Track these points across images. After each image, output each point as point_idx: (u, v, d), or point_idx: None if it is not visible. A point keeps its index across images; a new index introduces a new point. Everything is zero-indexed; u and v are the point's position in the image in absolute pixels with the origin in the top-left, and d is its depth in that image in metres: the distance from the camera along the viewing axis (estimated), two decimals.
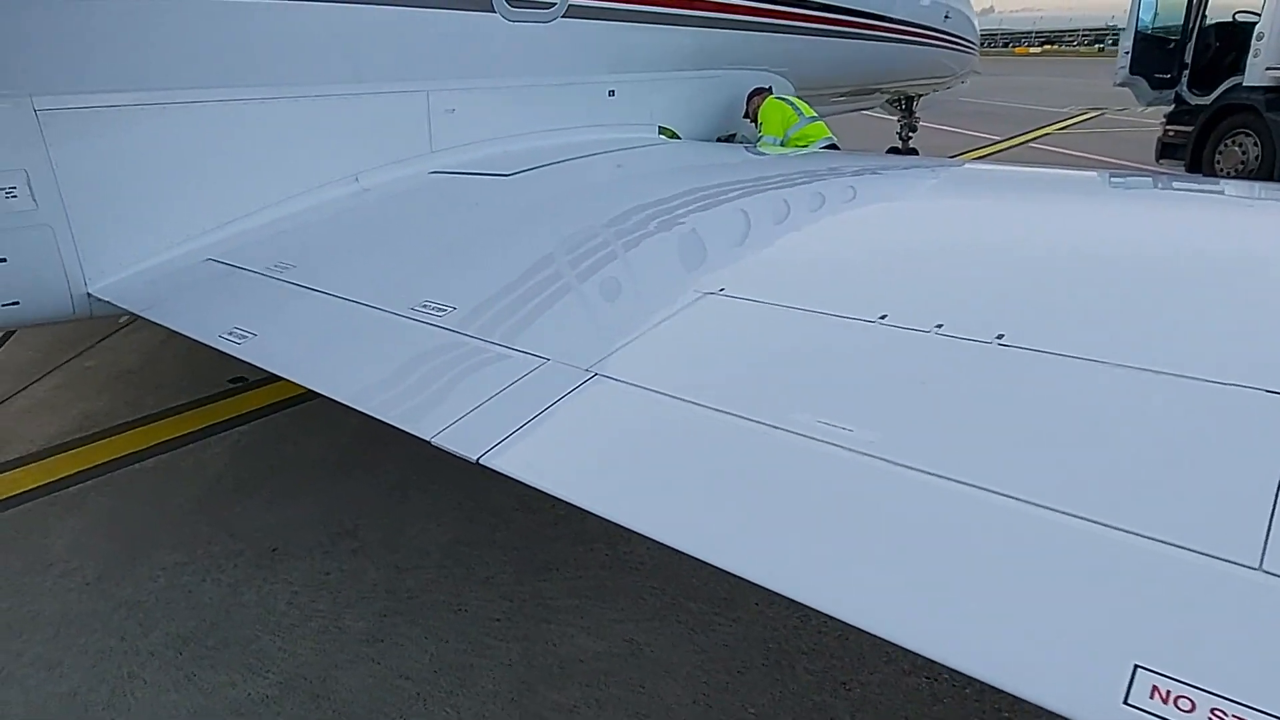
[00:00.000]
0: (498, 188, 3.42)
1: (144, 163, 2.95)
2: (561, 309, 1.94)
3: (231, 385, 4.30)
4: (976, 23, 9.08)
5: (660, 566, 2.76)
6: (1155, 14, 8.87)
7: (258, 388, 4.27)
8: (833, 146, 5.26)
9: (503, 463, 1.36)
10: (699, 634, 2.44)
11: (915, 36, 7.53)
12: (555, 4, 4.12)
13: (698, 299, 1.79)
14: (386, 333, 1.94)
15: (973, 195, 3.18)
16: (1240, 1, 8.45)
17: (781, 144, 5.21)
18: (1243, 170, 8.09)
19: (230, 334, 2.15)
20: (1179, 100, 8.91)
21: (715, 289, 1.82)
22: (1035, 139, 14.30)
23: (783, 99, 5.35)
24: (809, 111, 5.30)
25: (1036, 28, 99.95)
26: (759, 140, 5.34)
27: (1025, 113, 17.90)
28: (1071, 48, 77.29)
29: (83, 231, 2.86)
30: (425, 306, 2.03)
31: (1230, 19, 8.53)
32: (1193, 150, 8.61)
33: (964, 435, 1.23)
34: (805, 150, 5.03)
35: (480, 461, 1.38)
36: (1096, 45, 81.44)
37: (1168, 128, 9.02)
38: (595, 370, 1.56)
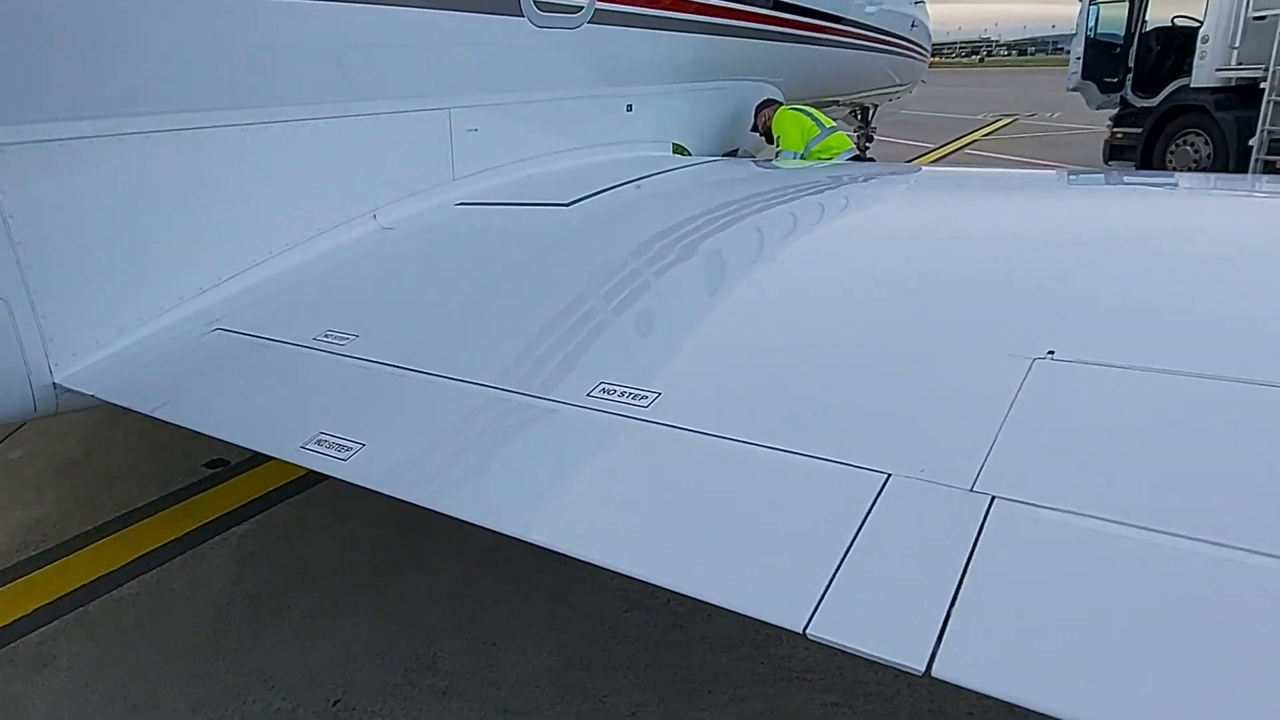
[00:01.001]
0: (560, 220, 2.88)
1: (121, 207, 2.29)
2: (823, 387, 1.44)
3: (210, 471, 3.55)
4: (931, 29, 9.10)
5: (828, 670, 2.28)
6: (1098, 21, 9.11)
7: (244, 471, 3.55)
8: (857, 157, 4.95)
9: (969, 675, 0.86)
10: None
11: (892, 45, 7.41)
12: (583, 7, 3.62)
13: (1029, 366, 1.34)
14: (589, 439, 1.39)
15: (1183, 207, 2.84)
16: (1178, 6, 8.76)
17: (802, 157, 4.85)
18: (1195, 168, 8.34)
19: (319, 444, 1.55)
20: (1123, 103, 9.17)
21: (1039, 352, 1.37)
22: (967, 145, 14.67)
23: (798, 109, 5.00)
24: (828, 122, 4.97)
25: None
26: (776, 154, 4.97)
27: (947, 121, 18.44)
28: (952, 59, 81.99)
29: (45, 301, 2.17)
30: (611, 393, 1.49)
31: (1169, 24, 8.83)
32: (1143, 151, 8.85)
33: None
34: (833, 163, 4.69)
35: (935, 676, 0.88)
36: (974, 56, 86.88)
37: (1115, 130, 9.27)
38: (988, 490, 1.08)
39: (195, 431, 1.80)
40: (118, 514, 3.23)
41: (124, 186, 2.27)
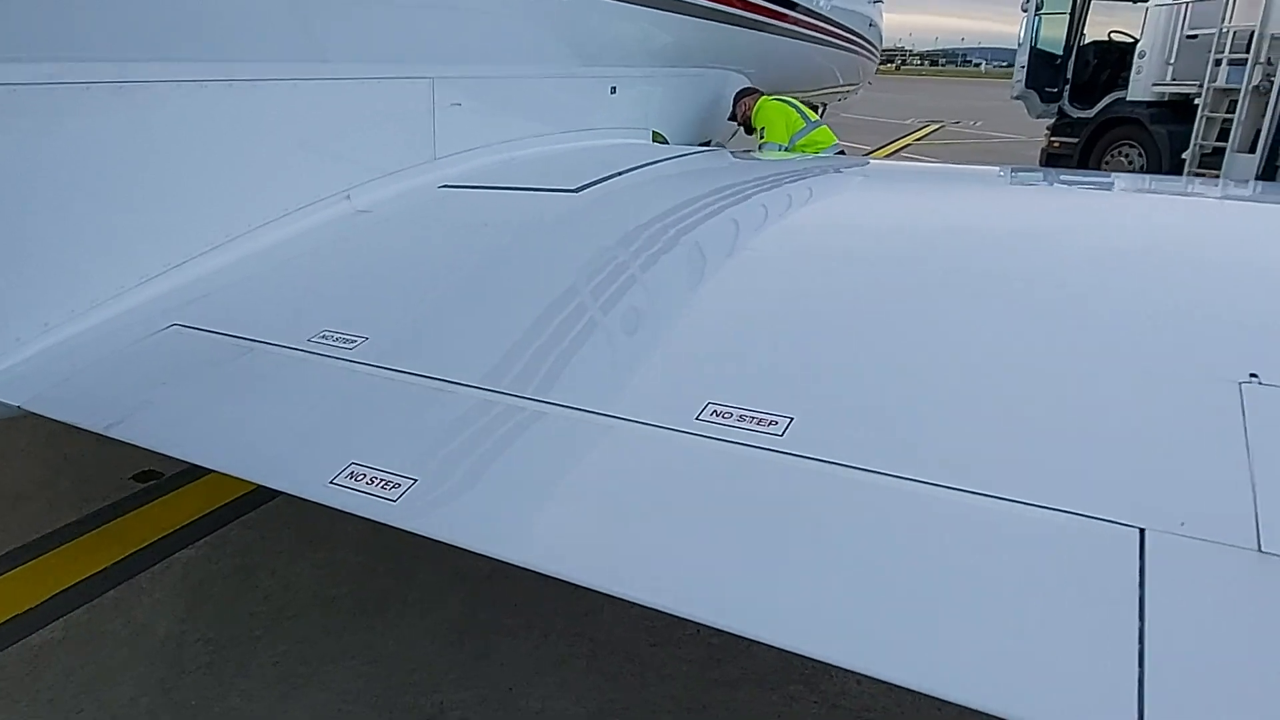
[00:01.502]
0: (572, 206, 2.56)
1: (44, 174, 1.86)
2: (1005, 412, 1.20)
3: (140, 484, 3.07)
4: (883, 31, 9.15)
5: (887, 710, 2.08)
6: (1038, 33, 9.35)
7: (182, 484, 3.08)
8: (840, 153, 4.81)
9: None
10: None
11: (853, 43, 7.36)
12: None
13: (1237, 392, 1.14)
14: (718, 477, 1.11)
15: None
16: (1116, 21, 9.10)
17: (785, 150, 4.67)
18: None
19: (353, 480, 1.21)
20: (1061, 114, 9.46)
21: (1239, 374, 1.18)
22: (900, 150, 14.96)
23: (782, 100, 4.82)
24: (813, 115, 4.81)
25: None
26: (759, 147, 4.77)
27: (877, 125, 18.80)
28: None
29: None
30: (726, 416, 1.22)
31: (1106, 39, 9.15)
32: (1079, 161, 9.15)
33: None
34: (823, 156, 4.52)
35: None
36: (891, 64, 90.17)
37: (1052, 139, 9.56)
38: None
39: (165, 456, 1.43)
40: (29, 539, 2.72)
41: (49, 149, 1.84)
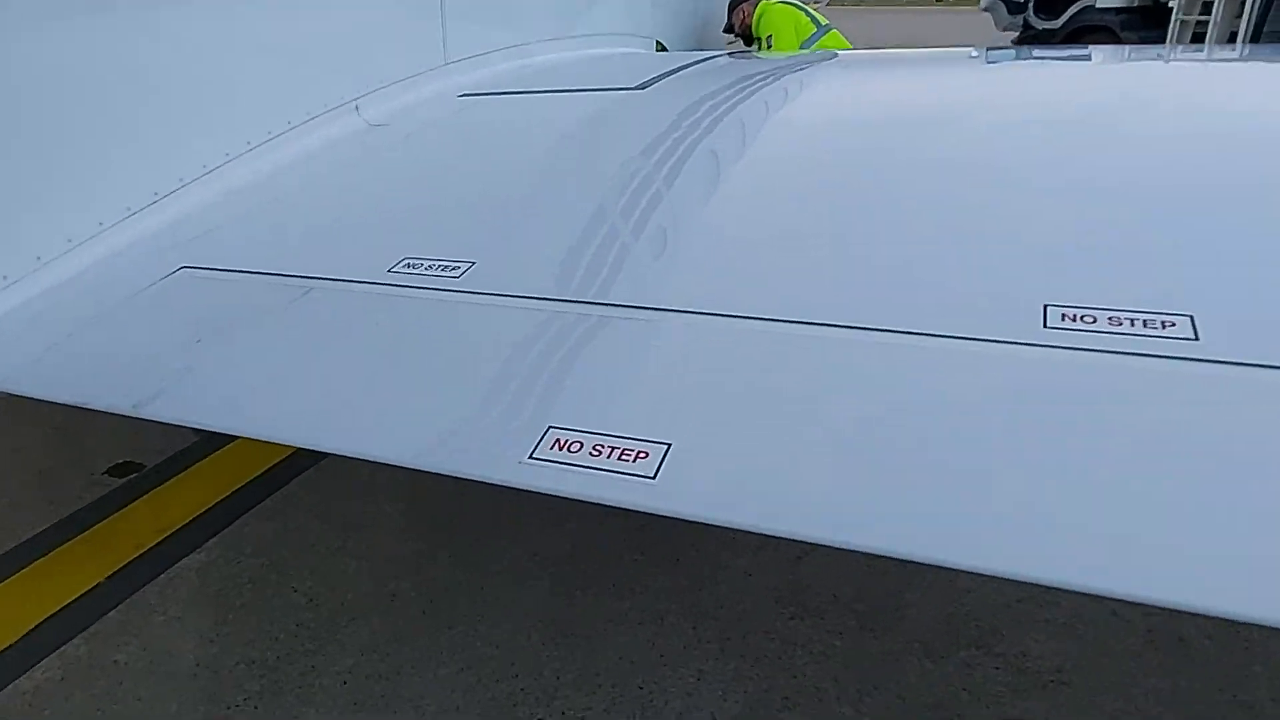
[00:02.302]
0: (644, 103, 2.12)
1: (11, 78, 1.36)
2: None
3: (116, 480, 2.56)
4: None
5: (1079, 669, 1.81)
6: None
7: (171, 474, 2.59)
8: None
9: None
10: None
11: None
12: None
13: None
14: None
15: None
16: None
17: None
18: None
19: (564, 452, 0.82)
20: (1026, 25, 9.24)
21: None
22: None
23: (788, 3, 4.38)
24: (822, 19, 4.39)
25: None
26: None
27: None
28: None
29: None
30: (1094, 321, 0.87)
31: None
32: None
33: None
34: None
35: None
36: None
37: None
38: None
39: (264, 441, 1.00)
40: None
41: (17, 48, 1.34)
